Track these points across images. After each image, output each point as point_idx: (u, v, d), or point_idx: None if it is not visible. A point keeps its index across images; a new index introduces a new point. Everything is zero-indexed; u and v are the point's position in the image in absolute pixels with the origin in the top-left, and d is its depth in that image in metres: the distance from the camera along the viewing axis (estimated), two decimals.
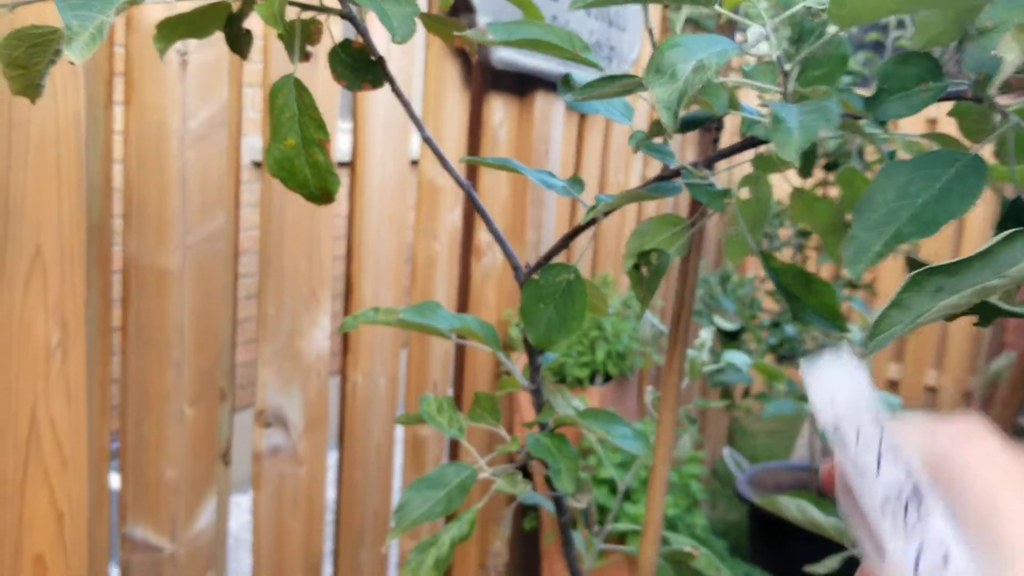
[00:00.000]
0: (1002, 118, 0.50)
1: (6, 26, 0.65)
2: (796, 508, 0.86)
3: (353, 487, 1.36)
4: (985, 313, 0.48)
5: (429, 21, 0.62)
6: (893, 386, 3.92)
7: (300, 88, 0.59)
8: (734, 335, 1.97)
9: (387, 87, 0.65)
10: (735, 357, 0.85)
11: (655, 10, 1.96)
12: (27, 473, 0.86)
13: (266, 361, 1.16)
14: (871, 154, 1.94)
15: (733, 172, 2.24)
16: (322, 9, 0.63)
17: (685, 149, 2.44)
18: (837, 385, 0.32)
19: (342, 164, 1.52)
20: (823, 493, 2.20)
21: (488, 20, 1.32)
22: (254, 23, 0.66)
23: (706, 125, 0.61)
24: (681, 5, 0.53)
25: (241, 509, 2.42)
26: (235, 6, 0.63)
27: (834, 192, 2.11)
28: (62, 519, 0.89)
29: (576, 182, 0.65)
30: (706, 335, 0.80)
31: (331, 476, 1.44)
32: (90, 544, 0.93)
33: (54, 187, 0.84)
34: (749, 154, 0.69)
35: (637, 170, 2.31)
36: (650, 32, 0.59)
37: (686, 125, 0.58)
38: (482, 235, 1.56)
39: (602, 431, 0.70)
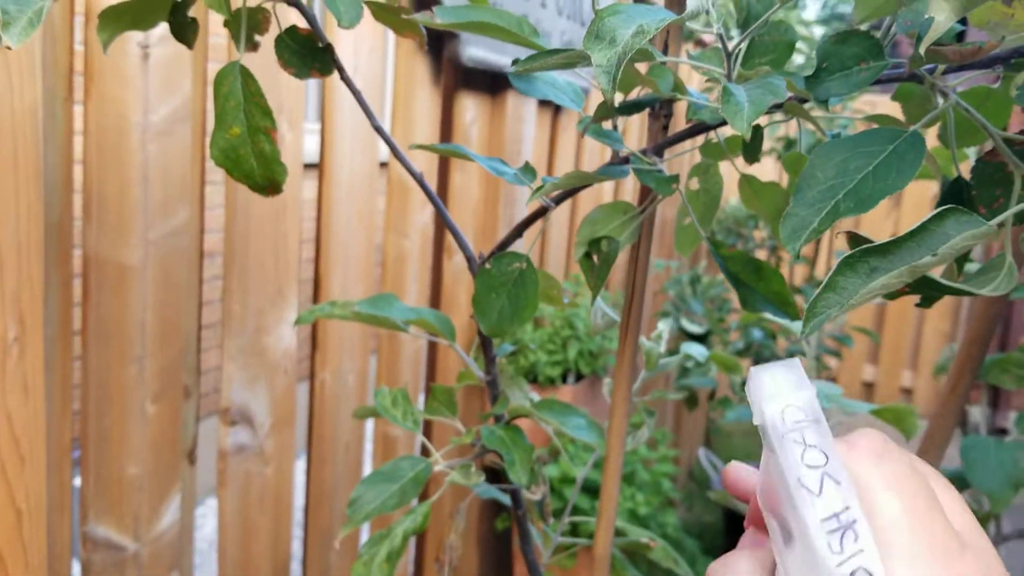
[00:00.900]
0: (944, 98, 0.50)
1: None
2: None
3: (322, 486, 1.35)
4: (926, 292, 0.48)
5: (377, 10, 0.62)
6: (869, 388, 3.94)
7: (246, 75, 0.58)
8: (701, 338, 1.98)
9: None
10: (693, 349, 0.85)
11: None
12: None
13: (231, 357, 1.15)
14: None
15: (684, 160, 2.23)
16: None
17: (641, 140, 2.44)
18: (781, 395, 0.32)
19: (311, 166, 1.52)
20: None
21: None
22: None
23: (654, 111, 0.61)
24: None
25: (215, 513, 2.40)
26: None
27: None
28: (21, 516, 0.88)
29: (528, 171, 0.65)
30: (663, 327, 0.80)
31: (300, 476, 1.42)
32: (51, 542, 0.92)
33: (11, 181, 0.83)
34: (701, 143, 0.69)
35: None
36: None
37: (632, 107, 0.58)
38: None
39: (556, 422, 0.70)
